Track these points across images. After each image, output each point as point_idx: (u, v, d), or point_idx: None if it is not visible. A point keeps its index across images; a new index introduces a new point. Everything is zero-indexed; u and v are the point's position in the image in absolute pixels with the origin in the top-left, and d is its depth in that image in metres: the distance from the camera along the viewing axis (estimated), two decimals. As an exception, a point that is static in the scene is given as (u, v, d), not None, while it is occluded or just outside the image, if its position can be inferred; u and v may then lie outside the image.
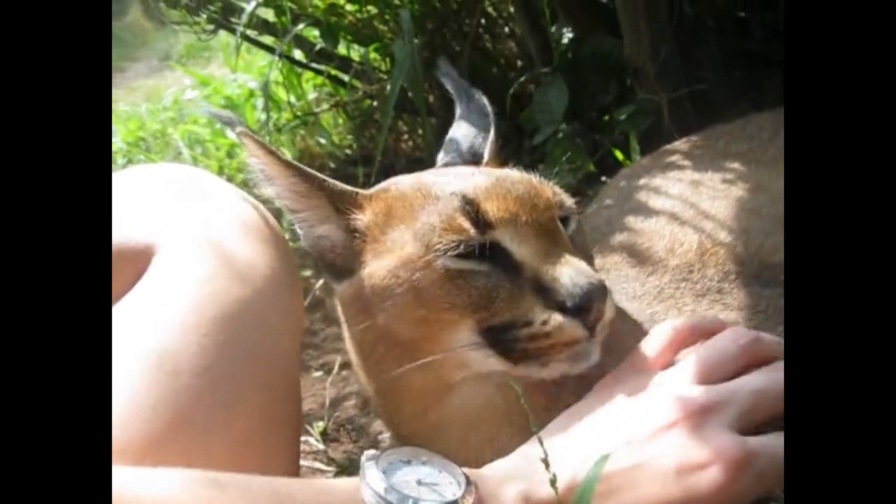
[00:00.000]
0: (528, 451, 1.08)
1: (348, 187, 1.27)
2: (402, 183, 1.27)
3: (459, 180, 1.20)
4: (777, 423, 1.06)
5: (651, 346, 1.18)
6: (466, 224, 1.12)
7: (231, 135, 3.65)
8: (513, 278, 1.11)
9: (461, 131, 1.48)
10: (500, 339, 1.11)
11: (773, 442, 1.04)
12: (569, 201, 1.22)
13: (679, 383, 1.10)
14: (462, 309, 1.11)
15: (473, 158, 1.42)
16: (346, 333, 1.31)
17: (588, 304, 1.07)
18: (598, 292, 1.08)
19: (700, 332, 1.19)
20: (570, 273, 1.08)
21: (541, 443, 0.99)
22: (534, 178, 1.22)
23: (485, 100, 1.52)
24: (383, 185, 1.30)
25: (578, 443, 1.07)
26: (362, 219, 1.23)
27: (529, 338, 1.08)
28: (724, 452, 1.01)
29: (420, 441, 1.23)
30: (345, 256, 1.24)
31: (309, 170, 1.25)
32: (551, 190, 1.21)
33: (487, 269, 1.11)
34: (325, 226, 1.26)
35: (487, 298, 1.10)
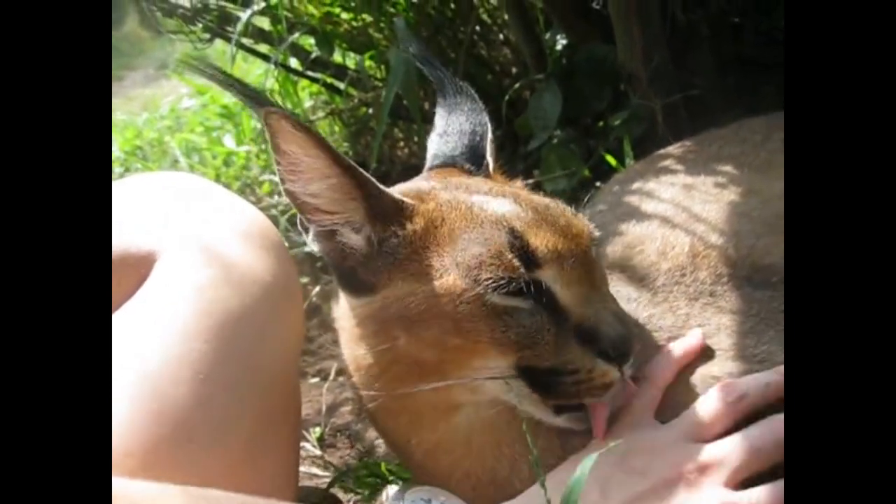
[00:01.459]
0: (534, 493, 1.11)
1: (397, 196, 1.19)
2: (437, 197, 1.21)
3: (501, 206, 1.17)
4: (771, 474, 1.08)
5: (647, 400, 1.19)
6: (516, 262, 1.10)
7: (229, 142, 3.65)
8: (557, 321, 1.11)
9: (456, 124, 1.43)
10: (539, 379, 1.11)
11: (763, 496, 1.06)
12: (596, 233, 1.21)
13: (676, 441, 1.12)
14: (503, 345, 1.10)
15: (473, 157, 1.39)
16: (346, 345, 1.27)
17: (628, 352, 1.11)
18: (634, 338, 1.12)
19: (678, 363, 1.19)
20: (612, 321, 1.11)
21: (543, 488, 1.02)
22: (568, 210, 1.21)
23: (473, 93, 1.47)
24: (411, 190, 1.23)
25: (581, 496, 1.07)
26: (400, 234, 1.17)
27: (572, 383, 1.10)
28: None
29: (422, 453, 1.23)
30: (368, 269, 1.19)
31: (362, 170, 1.16)
32: (585, 223, 1.20)
33: (532, 308, 1.10)
34: (356, 235, 1.19)
35: (531, 338, 1.10)
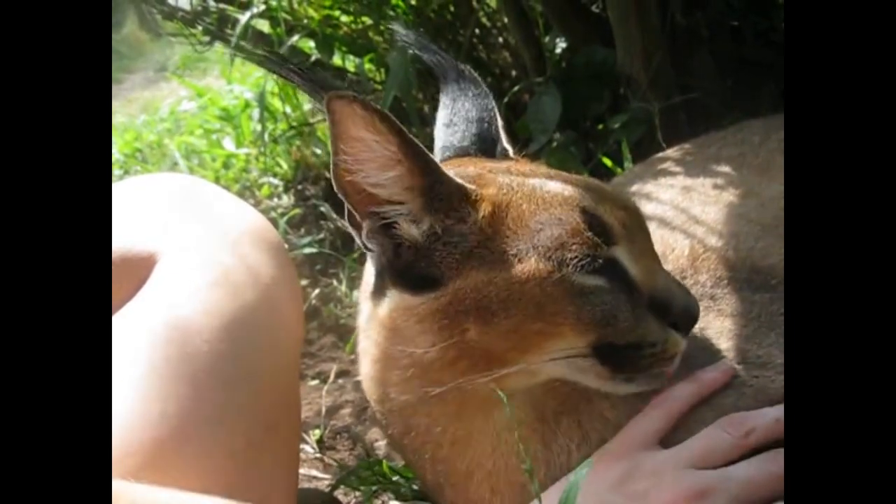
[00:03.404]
0: None
1: (460, 181, 1.13)
2: (495, 181, 1.16)
3: (561, 187, 1.15)
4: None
5: (646, 422, 1.17)
6: (596, 239, 1.09)
7: (229, 145, 3.66)
8: (630, 296, 1.11)
9: (462, 112, 1.36)
10: (617, 355, 1.11)
11: None
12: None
13: (678, 468, 1.12)
14: (585, 324, 1.09)
15: (484, 145, 1.34)
16: (395, 344, 1.17)
17: (696, 319, 1.13)
18: (698, 305, 1.14)
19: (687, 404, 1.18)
20: (678, 291, 1.13)
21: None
22: (610, 186, 1.22)
23: (476, 77, 1.40)
24: (460, 175, 1.15)
25: None
26: (467, 222, 1.12)
27: (649, 356, 1.11)
28: None
29: (449, 445, 1.21)
30: (431, 262, 1.12)
31: (430, 155, 1.11)
32: (630, 197, 1.20)
33: (609, 286, 1.09)
34: (414, 226, 1.13)
35: (612, 315, 1.09)
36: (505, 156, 1.34)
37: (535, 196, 1.13)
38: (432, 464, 1.24)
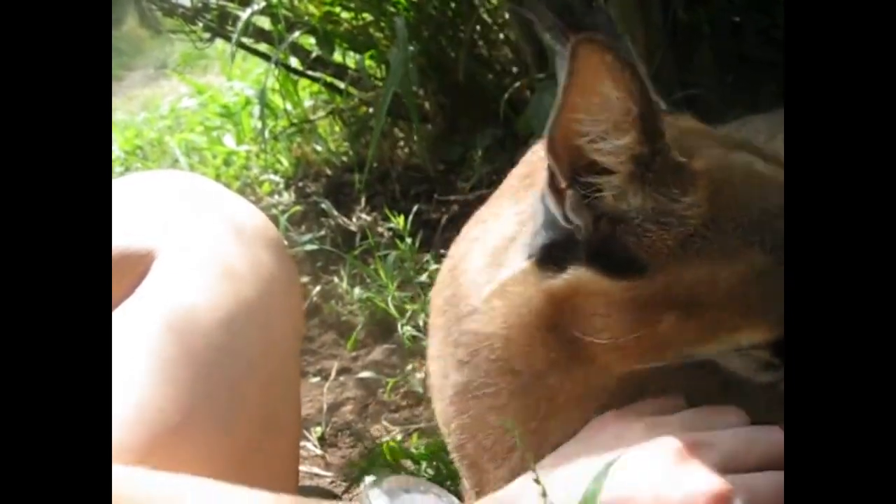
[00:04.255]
0: (525, 483, 1.02)
1: (676, 154, 0.97)
2: (702, 153, 1.01)
3: (774, 171, 1.00)
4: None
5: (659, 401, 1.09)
6: None
7: (229, 142, 3.66)
8: None
9: None
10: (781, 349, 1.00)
11: (757, 481, 0.97)
12: None
13: (665, 427, 1.03)
14: (775, 322, 0.97)
15: None
16: (549, 321, 1.02)
17: None
18: None
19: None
20: None
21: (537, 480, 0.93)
22: None
23: (609, 14, 1.20)
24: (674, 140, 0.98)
25: (564, 480, 0.98)
26: (683, 201, 0.98)
27: None
28: (704, 487, 0.94)
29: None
30: (640, 245, 0.98)
31: (664, 124, 0.96)
32: None
33: None
34: (623, 200, 0.98)
35: None
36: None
37: (750, 178, 1.01)
38: (526, 423, 1.08)
